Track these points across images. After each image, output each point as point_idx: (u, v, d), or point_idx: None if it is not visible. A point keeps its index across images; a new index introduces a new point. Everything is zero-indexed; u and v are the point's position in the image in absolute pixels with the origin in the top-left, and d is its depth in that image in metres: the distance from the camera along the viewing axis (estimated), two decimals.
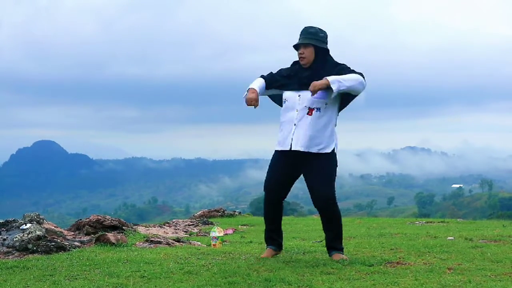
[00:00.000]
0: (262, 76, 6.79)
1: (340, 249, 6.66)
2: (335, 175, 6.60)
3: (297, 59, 6.70)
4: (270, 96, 6.99)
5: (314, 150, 6.45)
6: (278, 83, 6.74)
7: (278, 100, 6.90)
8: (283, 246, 7.02)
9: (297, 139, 6.45)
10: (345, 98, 6.57)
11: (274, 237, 6.84)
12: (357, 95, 6.51)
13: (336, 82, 6.25)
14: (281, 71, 6.81)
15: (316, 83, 6.25)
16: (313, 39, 6.53)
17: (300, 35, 6.60)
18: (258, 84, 6.67)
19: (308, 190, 6.61)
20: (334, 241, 6.66)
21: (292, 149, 6.46)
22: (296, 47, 6.62)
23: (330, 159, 6.53)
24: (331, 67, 6.53)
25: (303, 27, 6.63)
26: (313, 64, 6.56)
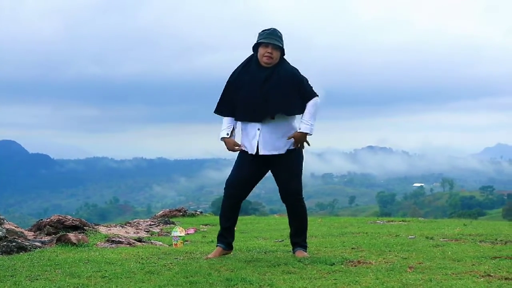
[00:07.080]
0: (223, 114, 6.75)
1: (304, 246, 6.77)
2: (302, 170, 6.72)
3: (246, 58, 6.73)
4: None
5: (282, 151, 6.53)
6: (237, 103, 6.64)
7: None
8: (233, 246, 6.98)
9: (263, 144, 6.50)
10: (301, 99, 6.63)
11: (225, 235, 6.82)
12: None
13: (309, 128, 6.53)
14: (231, 84, 6.70)
15: (300, 140, 6.56)
16: (282, 43, 6.56)
17: (269, 35, 6.51)
18: (226, 126, 6.72)
19: (277, 186, 6.69)
20: (298, 237, 6.77)
21: (259, 154, 6.51)
22: (262, 44, 6.53)
23: (296, 155, 6.63)
24: (291, 74, 6.57)
25: (271, 29, 6.58)
26: (274, 66, 6.56)
